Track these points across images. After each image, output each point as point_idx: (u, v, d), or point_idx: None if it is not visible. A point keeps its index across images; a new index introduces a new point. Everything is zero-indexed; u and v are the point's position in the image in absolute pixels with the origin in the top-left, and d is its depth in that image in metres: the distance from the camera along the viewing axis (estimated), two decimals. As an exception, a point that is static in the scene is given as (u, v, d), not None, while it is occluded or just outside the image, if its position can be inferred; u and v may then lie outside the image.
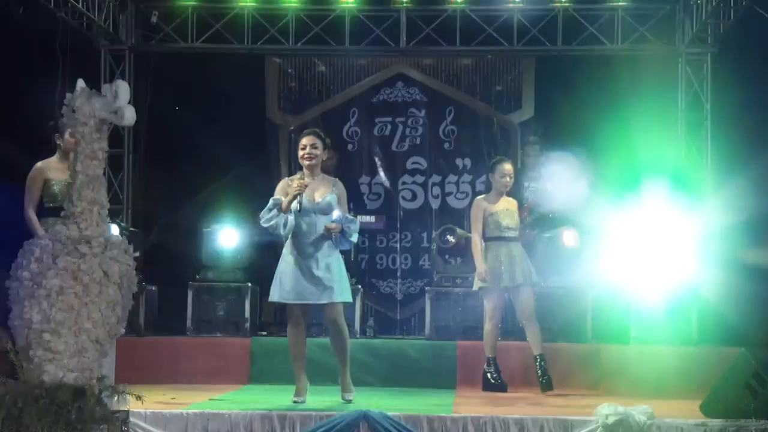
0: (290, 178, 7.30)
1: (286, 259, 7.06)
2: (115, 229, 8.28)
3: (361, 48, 10.94)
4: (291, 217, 6.98)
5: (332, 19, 10.81)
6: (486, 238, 8.15)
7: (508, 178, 8.12)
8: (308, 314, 7.18)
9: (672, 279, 8.76)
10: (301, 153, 7.16)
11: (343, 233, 7.00)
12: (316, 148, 7.10)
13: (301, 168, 7.18)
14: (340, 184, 7.22)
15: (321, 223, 7.01)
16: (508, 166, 8.18)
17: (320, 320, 7.89)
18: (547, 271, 9.09)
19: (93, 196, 5.47)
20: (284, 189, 7.12)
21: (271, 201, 7.04)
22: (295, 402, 6.96)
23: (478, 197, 8.33)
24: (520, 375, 8.30)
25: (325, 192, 7.07)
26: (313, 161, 7.10)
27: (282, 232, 7.00)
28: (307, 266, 6.96)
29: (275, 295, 7.06)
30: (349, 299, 7.22)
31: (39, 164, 6.93)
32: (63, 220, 5.49)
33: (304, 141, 7.16)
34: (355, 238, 7.09)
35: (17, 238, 5.71)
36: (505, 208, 8.16)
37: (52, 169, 6.92)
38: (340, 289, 7.01)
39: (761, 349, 6.53)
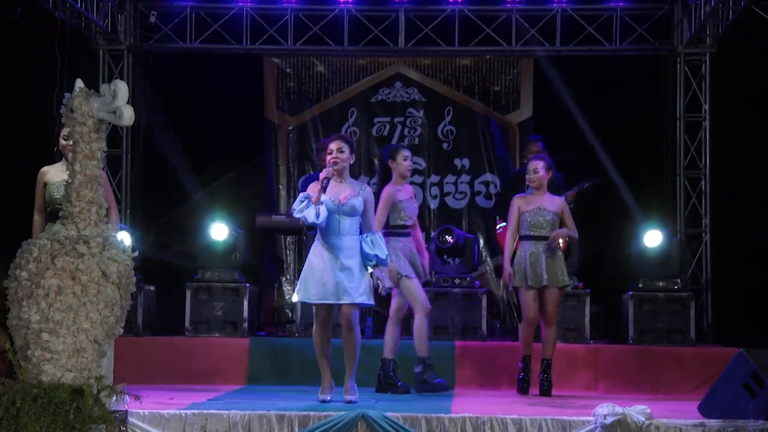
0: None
1: (311, 260, 7.11)
2: (126, 238, 8.25)
3: (359, 48, 10.94)
4: (322, 208, 6.99)
5: (331, 19, 10.82)
6: (519, 237, 8.07)
7: (532, 174, 8.01)
8: (333, 314, 7.21)
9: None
10: (327, 157, 7.16)
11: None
12: (342, 152, 7.13)
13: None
14: (368, 189, 7.23)
15: (345, 224, 7.06)
16: (533, 164, 8.06)
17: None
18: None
19: (91, 196, 5.46)
20: (314, 188, 7.14)
21: (301, 194, 7.08)
22: (322, 401, 7.05)
23: (516, 196, 8.22)
24: (516, 376, 8.29)
25: (350, 195, 7.09)
26: (338, 165, 7.12)
27: (316, 221, 6.96)
28: (330, 267, 7.02)
29: (300, 295, 7.12)
30: (369, 302, 7.21)
31: (43, 168, 6.88)
32: (61, 220, 5.48)
33: (332, 146, 7.17)
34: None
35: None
36: (538, 206, 7.96)
37: (51, 171, 6.83)
38: (360, 290, 7.04)
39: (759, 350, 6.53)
